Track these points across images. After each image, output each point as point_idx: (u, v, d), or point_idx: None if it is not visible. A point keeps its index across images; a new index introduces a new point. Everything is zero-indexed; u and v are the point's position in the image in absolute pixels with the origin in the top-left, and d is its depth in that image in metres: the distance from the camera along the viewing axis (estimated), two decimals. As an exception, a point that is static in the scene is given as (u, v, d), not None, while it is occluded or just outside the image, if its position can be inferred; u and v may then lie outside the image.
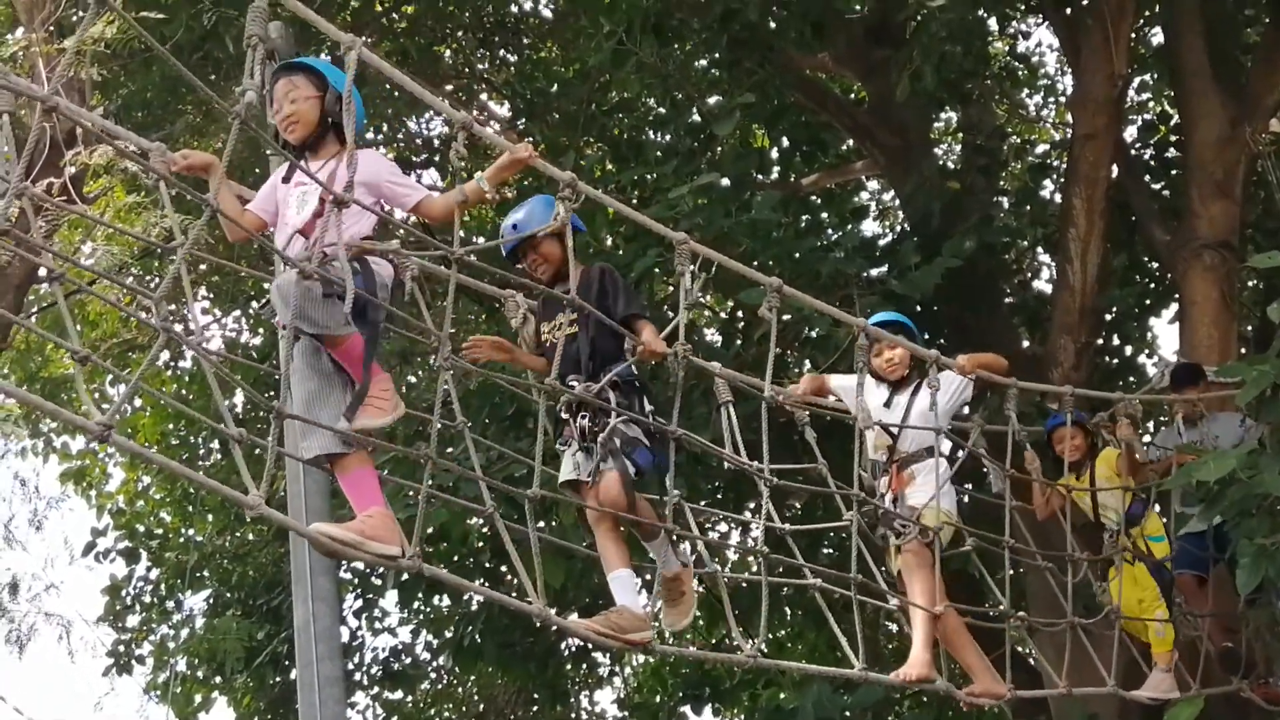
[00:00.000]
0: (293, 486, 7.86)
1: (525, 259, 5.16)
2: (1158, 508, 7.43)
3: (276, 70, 4.52)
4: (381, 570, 10.03)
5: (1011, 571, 6.39)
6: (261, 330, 12.87)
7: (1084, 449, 7.43)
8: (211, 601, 12.78)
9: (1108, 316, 11.52)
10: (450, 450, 8.92)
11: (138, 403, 13.27)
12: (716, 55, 10.74)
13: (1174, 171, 11.30)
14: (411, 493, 6.89)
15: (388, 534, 4.06)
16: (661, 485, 5.12)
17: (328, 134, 4.41)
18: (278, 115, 4.41)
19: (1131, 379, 11.66)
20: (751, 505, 10.59)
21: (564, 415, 5.05)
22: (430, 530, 9.38)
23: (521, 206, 5.20)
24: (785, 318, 5.71)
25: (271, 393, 5.86)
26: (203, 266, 11.06)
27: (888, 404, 6.22)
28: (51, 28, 8.33)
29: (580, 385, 4.91)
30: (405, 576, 10.13)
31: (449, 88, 12.39)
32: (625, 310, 5.03)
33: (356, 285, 4.05)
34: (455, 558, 10.16)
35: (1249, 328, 11.17)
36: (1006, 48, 12.96)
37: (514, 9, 12.45)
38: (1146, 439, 7.88)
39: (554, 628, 4.85)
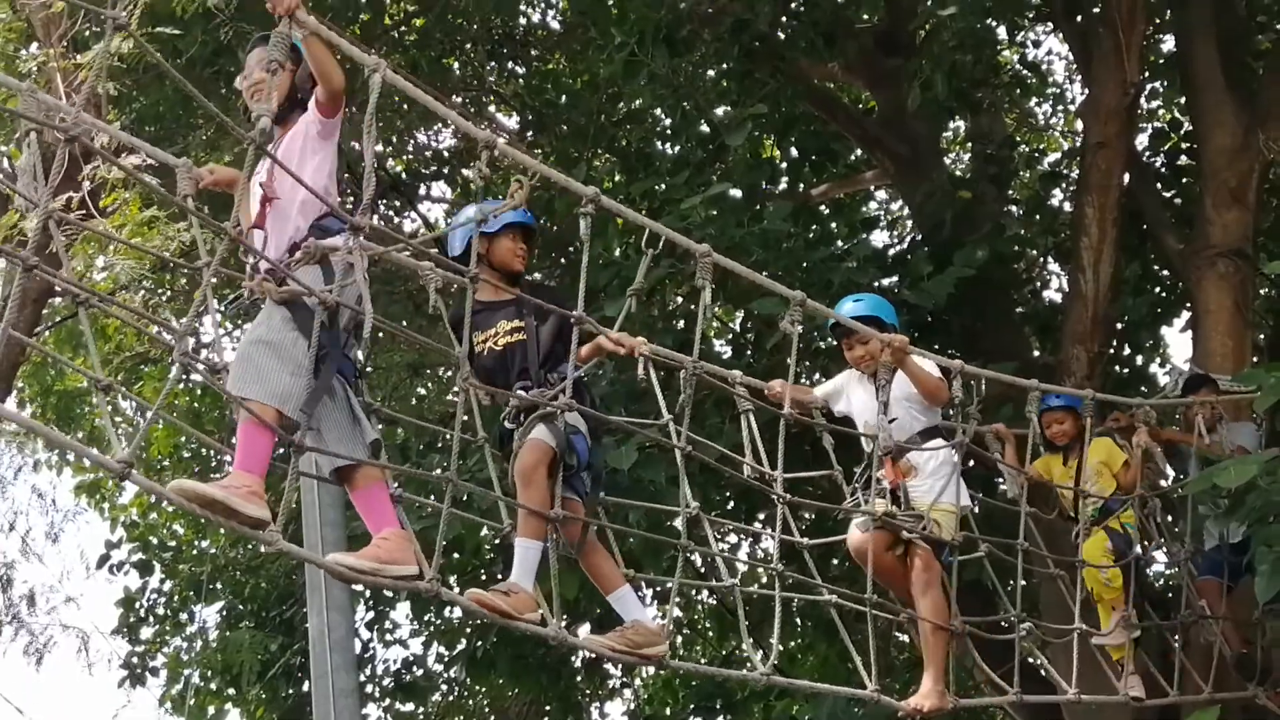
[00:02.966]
0: (307, 497, 7.86)
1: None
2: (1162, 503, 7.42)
3: (256, 39, 4.51)
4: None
5: (1024, 581, 6.36)
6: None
7: (1072, 434, 7.42)
8: (225, 613, 12.79)
9: (1120, 325, 11.50)
10: (462, 463, 8.91)
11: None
12: (727, 66, 10.74)
13: (1186, 179, 11.27)
14: (423, 505, 6.91)
15: (404, 555, 4.07)
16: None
17: (295, 110, 4.36)
18: (246, 81, 4.38)
19: (1144, 388, 11.62)
20: (762, 516, 10.57)
21: (509, 425, 4.92)
22: (443, 542, 9.37)
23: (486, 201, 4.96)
24: (799, 328, 5.70)
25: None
26: (214, 280, 11.05)
27: (877, 396, 6.01)
28: (67, 43, 8.36)
29: (534, 391, 4.80)
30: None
31: (458, 99, 12.40)
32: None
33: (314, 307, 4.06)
34: (469, 569, 10.16)
35: (1261, 336, 11.13)
36: (1016, 56, 12.96)
37: (523, 21, 12.48)
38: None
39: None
